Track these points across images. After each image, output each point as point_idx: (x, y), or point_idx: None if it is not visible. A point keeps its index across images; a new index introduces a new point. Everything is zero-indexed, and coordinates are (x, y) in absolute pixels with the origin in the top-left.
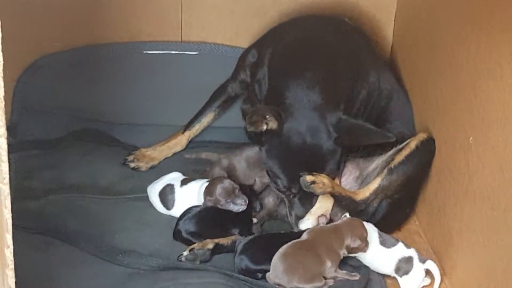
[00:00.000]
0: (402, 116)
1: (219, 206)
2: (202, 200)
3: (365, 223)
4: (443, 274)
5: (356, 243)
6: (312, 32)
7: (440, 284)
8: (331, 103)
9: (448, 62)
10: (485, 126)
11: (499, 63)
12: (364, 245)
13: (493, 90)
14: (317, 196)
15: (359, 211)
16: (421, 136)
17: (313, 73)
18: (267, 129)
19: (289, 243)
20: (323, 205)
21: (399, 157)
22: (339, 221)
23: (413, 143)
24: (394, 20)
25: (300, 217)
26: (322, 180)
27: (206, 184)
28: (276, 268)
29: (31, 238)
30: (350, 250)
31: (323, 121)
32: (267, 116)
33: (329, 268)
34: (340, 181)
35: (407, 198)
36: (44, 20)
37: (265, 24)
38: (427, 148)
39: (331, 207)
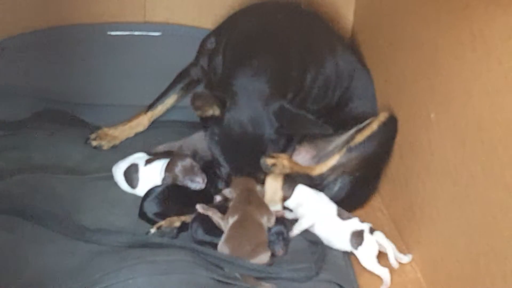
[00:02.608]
0: (364, 94)
1: (178, 182)
2: None
3: (322, 195)
4: (405, 249)
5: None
6: (264, 19)
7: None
8: (277, 92)
9: (409, 40)
10: (446, 103)
11: (460, 41)
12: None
13: (454, 67)
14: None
15: (314, 185)
16: (383, 116)
17: (260, 61)
18: (212, 115)
19: (226, 230)
20: (274, 190)
21: (360, 137)
22: (233, 191)
23: (375, 124)
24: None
25: None
26: (282, 162)
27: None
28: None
29: None
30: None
31: (265, 110)
32: (211, 103)
33: (268, 220)
34: None
35: (369, 176)
36: (8, 2)
37: (228, 4)
38: (389, 129)
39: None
